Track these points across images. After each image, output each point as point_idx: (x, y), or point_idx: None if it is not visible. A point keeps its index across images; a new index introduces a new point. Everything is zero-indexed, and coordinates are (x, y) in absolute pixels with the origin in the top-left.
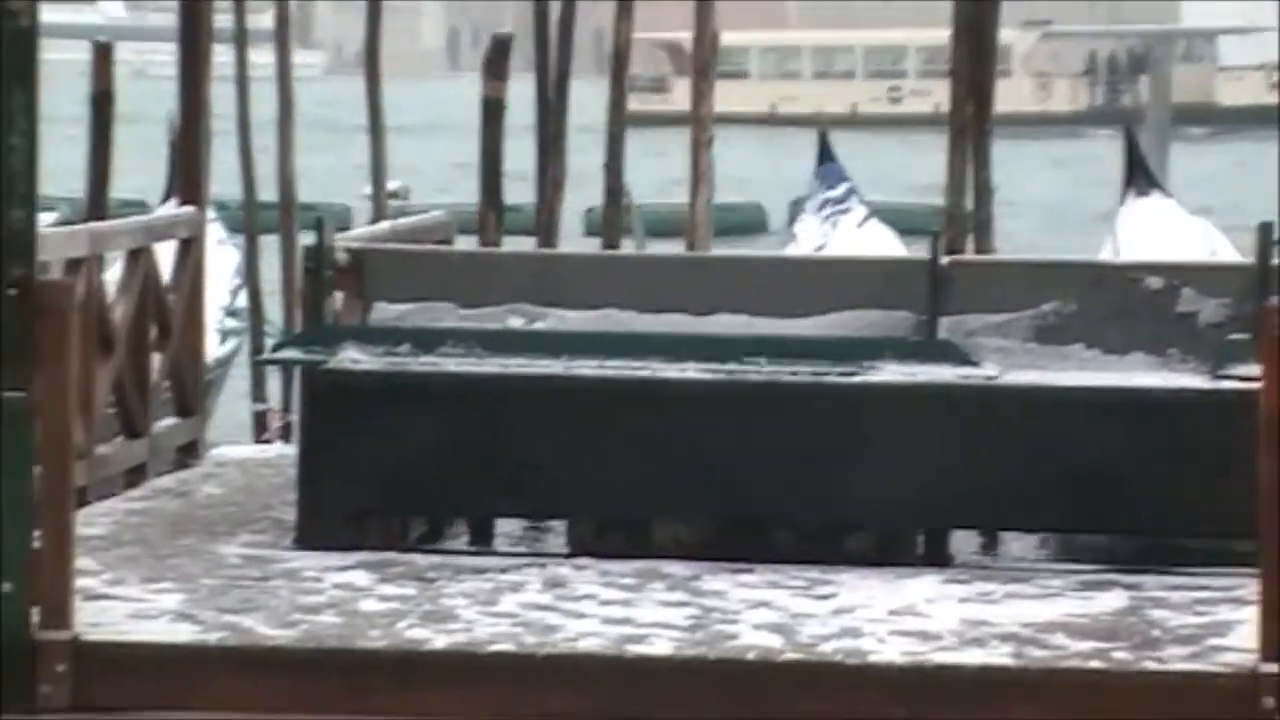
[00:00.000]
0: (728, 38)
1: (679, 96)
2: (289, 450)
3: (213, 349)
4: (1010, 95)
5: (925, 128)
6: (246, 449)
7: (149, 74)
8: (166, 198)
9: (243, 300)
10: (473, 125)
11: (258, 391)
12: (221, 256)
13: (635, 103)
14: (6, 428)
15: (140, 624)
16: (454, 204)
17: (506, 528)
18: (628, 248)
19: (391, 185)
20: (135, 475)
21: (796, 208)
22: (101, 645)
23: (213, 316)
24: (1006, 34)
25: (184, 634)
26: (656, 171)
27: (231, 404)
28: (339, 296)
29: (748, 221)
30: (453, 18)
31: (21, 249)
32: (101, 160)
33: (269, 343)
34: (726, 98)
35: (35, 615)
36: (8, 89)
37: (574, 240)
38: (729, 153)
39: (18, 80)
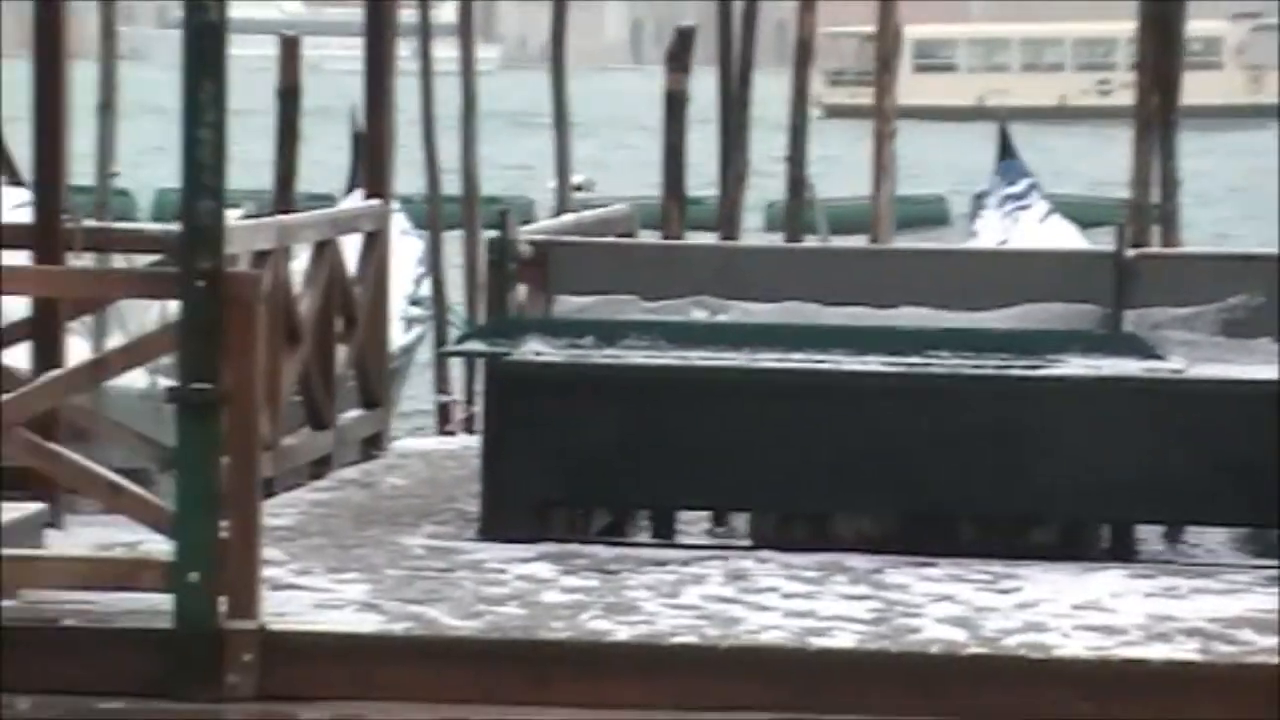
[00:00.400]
0: (936, 31)
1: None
2: (472, 442)
3: (397, 337)
4: (1221, 87)
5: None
6: (430, 440)
7: (324, 69)
8: (350, 190)
9: (426, 289)
10: (655, 119)
11: (441, 383)
12: (405, 246)
13: (843, 96)
14: (195, 419)
15: (326, 614)
16: (637, 198)
17: (688, 520)
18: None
19: (576, 179)
20: (320, 466)
21: (979, 202)
22: (288, 635)
23: (396, 305)
24: (1217, 26)
25: (369, 624)
26: (858, 164)
27: (416, 394)
28: (522, 289)
29: (929, 214)
30: (636, 11)
31: (210, 241)
32: (288, 154)
33: (453, 333)
34: (934, 90)
35: (222, 605)
36: (197, 82)
37: (755, 236)
38: (933, 144)
39: (207, 73)
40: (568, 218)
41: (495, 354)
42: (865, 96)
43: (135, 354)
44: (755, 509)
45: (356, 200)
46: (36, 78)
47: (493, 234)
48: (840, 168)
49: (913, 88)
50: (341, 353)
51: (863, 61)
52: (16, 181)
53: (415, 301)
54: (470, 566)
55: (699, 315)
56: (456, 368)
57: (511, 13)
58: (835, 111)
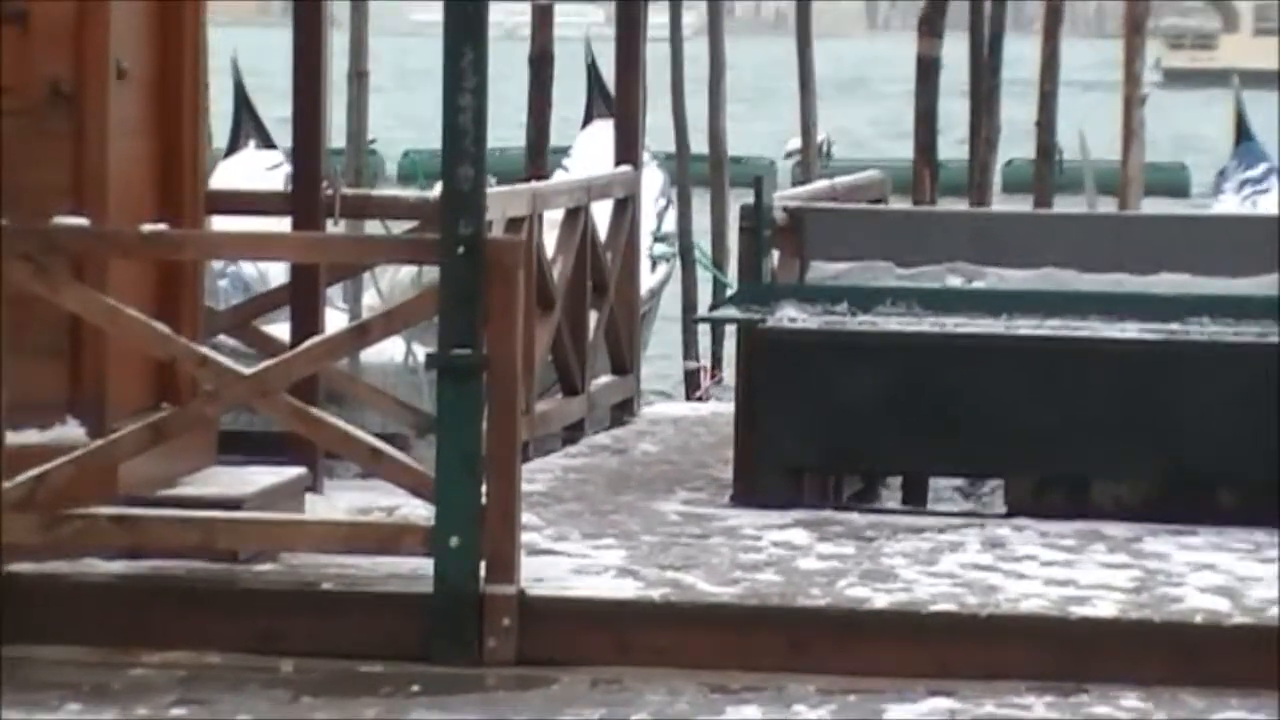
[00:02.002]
0: None
1: (1226, 54)
2: (722, 408)
3: (643, 279)
4: None
5: None
6: (680, 406)
7: (519, 35)
8: (586, 122)
9: (669, 223)
10: (890, 84)
11: (689, 349)
12: (646, 178)
13: (1182, 59)
14: (456, 384)
15: (583, 579)
16: (872, 160)
17: (937, 487)
18: (1068, 205)
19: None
20: (573, 432)
21: (1218, 182)
22: (546, 600)
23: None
24: None
25: (627, 590)
26: (1199, 127)
27: (656, 353)
28: (776, 255)
29: (1170, 182)
30: None
31: (471, 208)
32: (540, 120)
33: (702, 292)
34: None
35: (481, 570)
36: (458, 47)
37: (996, 197)
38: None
39: (468, 38)
40: (821, 183)
41: (750, 320)
42: (1206, 60)
43: (395, 320)
44: (1011, 476)
45: (594, 135)
46: (296, 47)
47: (746, 199)
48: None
49: (1252, 51)
50: (592, 319)
51: (1205, 23)
52: (268, 144)
53: (660, 237)
54: (725, 532)
55: (954, 281)
56: (705, 333)
57: None
58: (1174, 76)
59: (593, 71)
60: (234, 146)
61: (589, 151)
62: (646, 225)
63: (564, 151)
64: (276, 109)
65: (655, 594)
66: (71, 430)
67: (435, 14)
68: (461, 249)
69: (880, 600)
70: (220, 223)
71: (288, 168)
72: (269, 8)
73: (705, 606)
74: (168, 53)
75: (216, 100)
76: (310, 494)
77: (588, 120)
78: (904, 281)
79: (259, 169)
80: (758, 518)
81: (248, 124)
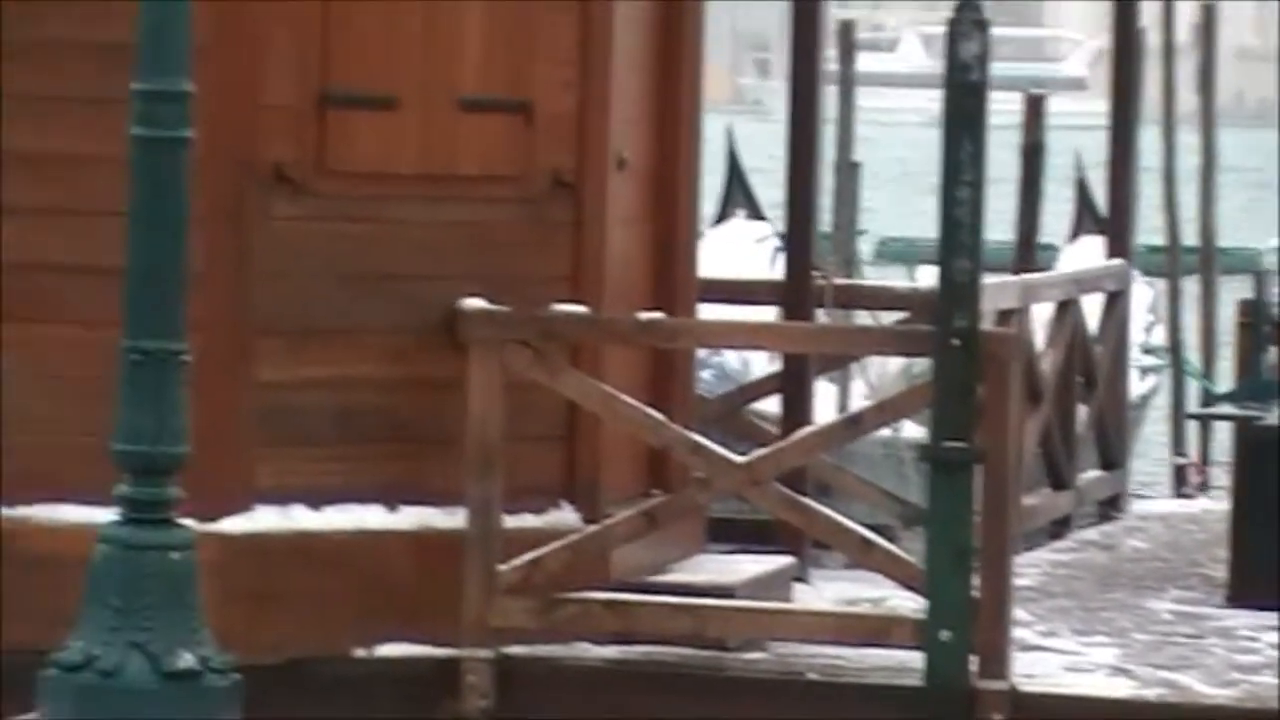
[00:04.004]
0: None
1: None
2: (1213, 505)
3: (1132, 387)
4: None
5: None
6: (1168, 503)
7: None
8: (1074, 237)
9: (1156, 337)
10: None
11: (1178, 444)
12: (1135, 293)
13: None
14: (949, 477)
15: (1075, 677)
16: None
17: None
18: None
19: None
20: (1060, 527)
21: None
22: (1039, 696)
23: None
24: None
25: (1120, 689)
26: None
27: (1143, 451)
28: (1274, 351)
29: None
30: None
31: (965, 300)
32: (1030, 212)
33: (1190, 387)
34: None
35: (972, 664)
36: (957, 141)
37: None
38: None
39: (967, 132)
40: None
41: (1248, 418)
42: None
43: (888, 411)
44: None
45: (1082, 250)
46: (791, 134)
47: (1244, 294)
48: None
49: None
50: (1081, 412)
51: None
52: (757, 215)
53: (1147, 350)
54: (1220, 633)
55: None
56: (1192, 428)
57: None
58: None
59: (1081, 186)
60: (723, 215)
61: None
62: (1135, 339)
63: (1049, 249)
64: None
65: (1150, 694)
66: (566, 515)
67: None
68: (956, 341)
69: None
70: (709, 310)
71: (776, 242)
72: (741, 94)
73: (1202, 709)
74: (665, 142)
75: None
76: (797, 583)
77: (1075, 235)
78: None
79: (747, 240)
80: (1255, 619)
81: (738, 194)
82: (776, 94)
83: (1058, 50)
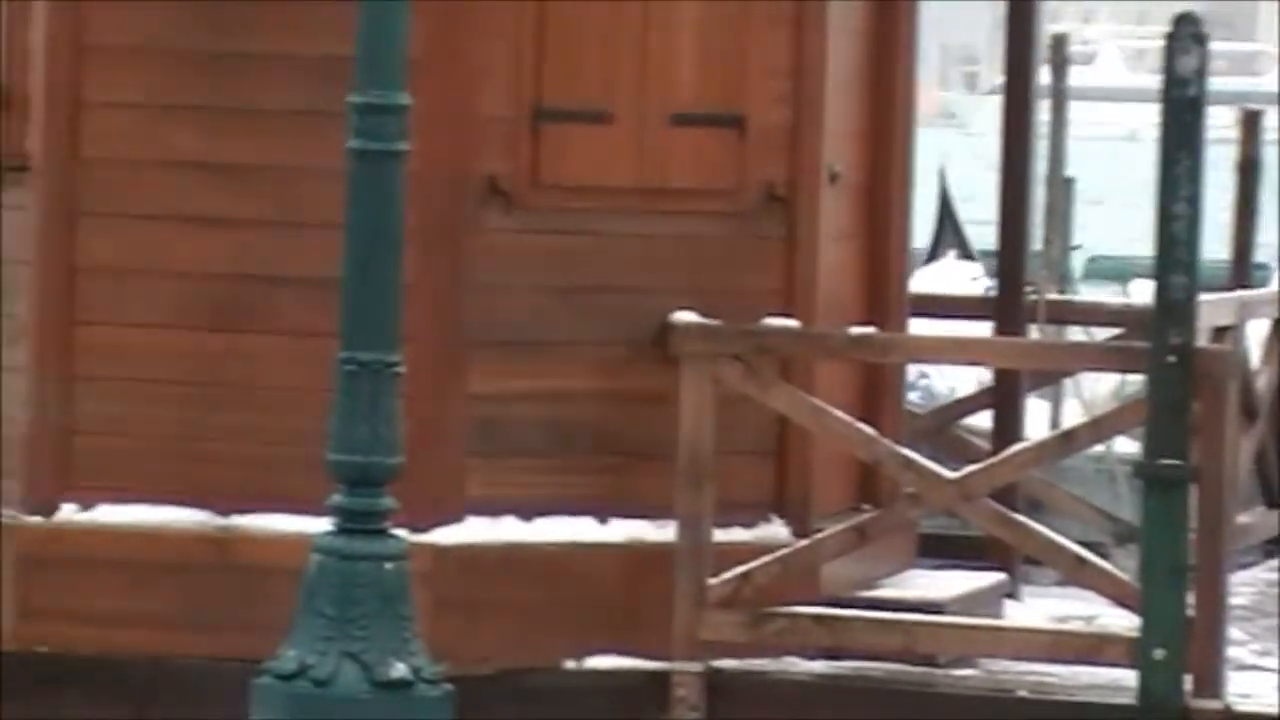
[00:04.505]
0: None
1: None
2: None
3: None
4: None
5: None
6: None
7: (1141, 137)
8: None
9: None
10: None
11: None
12: None
13: None
14: (1164, 495)
15: None
16: None
17: None
18: None
19: None
20: (1274, 545)
21: None
22: (1254, 717)
23: None
24: None
25: None
26: None
27: None
28: None
29: None
30: None
31: (1181, 316)
32: (1245, 228)
33: None
34: None
35: (1187, 683)
36: (1174, 156)
37: None
38: None
39: (1184, 147)
40: None
41: None
42: None
43: (1102, 428)
44: None
45: None
46: (1004, 148)
47: None
48: None
49: None
50: None
51: None
52: (968, 255)
53: None
54: None
55: None
56: None
57: None
58: None
59: None
60: (934, 254)
61: None
62: None
63: (1263, 267)
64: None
65: None
66: (776, 529)
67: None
68: (1172, 358)
69: None
70: (919, 326)
71: (987, 281)
72: (946, 106)
73: None
74: (877, 155)
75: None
76: (1008, 600)
77: None
78: None
79: (958, 281)
80: None
81: (949, 234)
82: (976, 107)
83: (1268, 64)
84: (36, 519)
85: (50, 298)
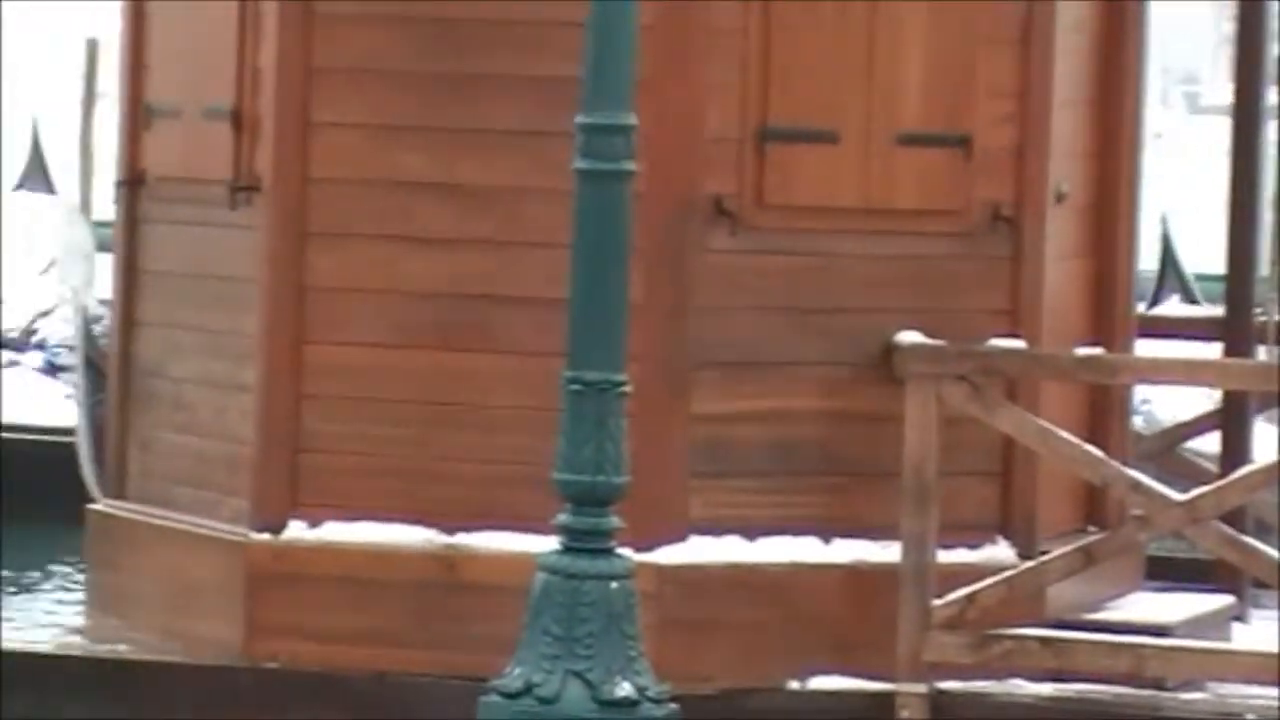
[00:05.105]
0: None
1: None
2: None
3: None
4: None
5: None
6: None
7: None
8: None
9: None
10: None
11: None
12: None
13: None
14: None
15: None
16: None
17: None
18: None
19: None
20: None
21: None
22: None
23: None
24: None
25: None
26: None
27: None
28: None
29: None
30: None
31: None
32: None
33: None
34: None
35: None
36: None
37: None
38: None
39: None
40: None
41: None
42: None
43: None
44: None
45: None
46: (1233, 169)
47: None
48: None
49: None
50: None
51: None
52: (1191, 300)
53: None
54: None
55: None
56: None
57: None
58: None
59: None
60: (1156, 299)
61: None
62: None
63: None
64: None
65: None
66: (1001, 551)
67: None
68: None
69: None
70: (1146, 347)
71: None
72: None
73: None
74: (1105, 175)
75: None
76: (1236, 623)
77: None
78: None
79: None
80: None
81: (1172, 278)
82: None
83: None
84: (265, 536)
85: (278, 317)
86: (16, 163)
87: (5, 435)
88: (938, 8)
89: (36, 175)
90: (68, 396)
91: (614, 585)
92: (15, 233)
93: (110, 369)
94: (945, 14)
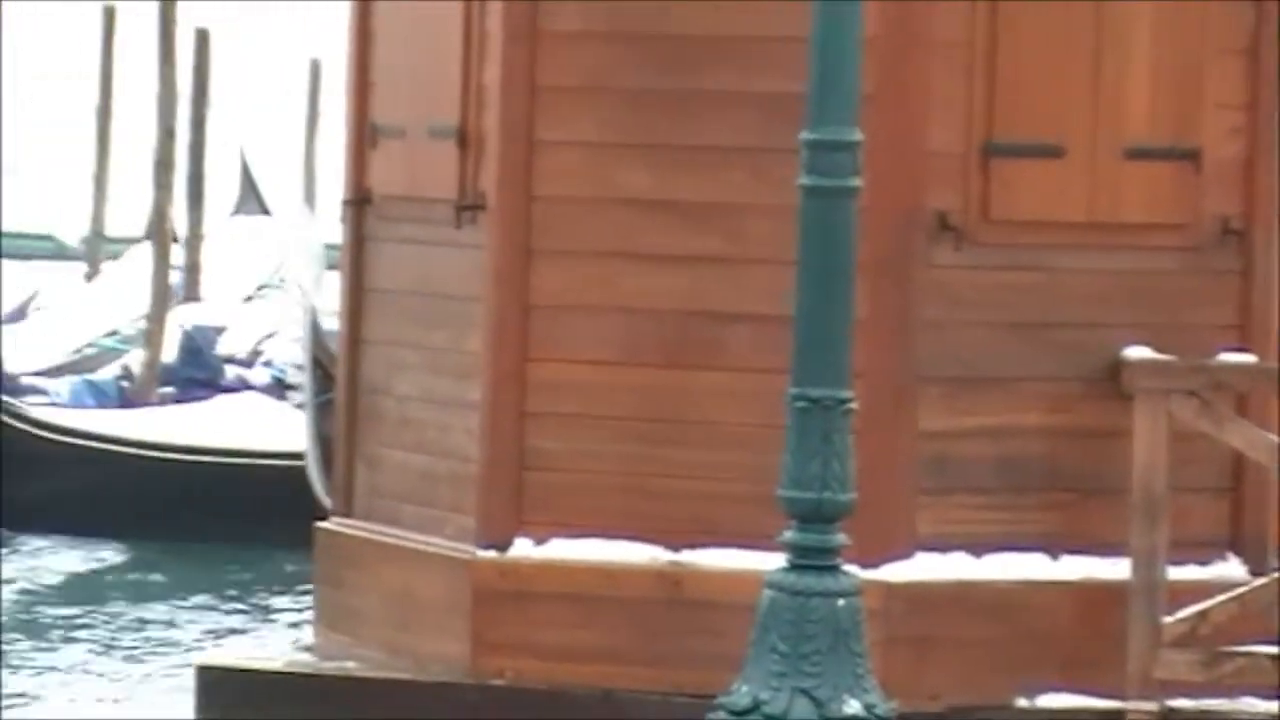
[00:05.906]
0: None
1: None
2: None
3: None
4: None
5: None
6: None
7: None
8: None
9: None
10: None
11: None
12: None
13: None
14: None
15: None
16: None
17: None
18: None
19: None
20: None
21: None
22: None
23: None
24: None
25: None
26: None
27: None
28: None
29: None
30: None
31: None
32: None
33: None
34: None
35: None
36: None
37: None
38: None
39: None
40: None
41: None
42: None
43: None
44: None
45: None
46: None
47: None
48: None
49: None
50: None
51: None
52: None
53: None
54: None
55: None
56: None
57: None
58: None
59: None
60: None
61: None
62: None
63: None
64: None
65: None
66: (1232, 567)
67: None
68: None
69: None
70: None
71: None
72: None
73: None
74: None
75: None
76: None
77: None
78: None
79: None
80: None
81: None
82: None
83: None
84: (491, 554)
85: (503, 334)
86: (229, 192)
87: (239, 461)
88: (1165, 19)
89: (250, 200)
90: (297, 405)
91: (841, 602)
92: (238, 255)
93: (338, 387)
94: (1172, 26)
